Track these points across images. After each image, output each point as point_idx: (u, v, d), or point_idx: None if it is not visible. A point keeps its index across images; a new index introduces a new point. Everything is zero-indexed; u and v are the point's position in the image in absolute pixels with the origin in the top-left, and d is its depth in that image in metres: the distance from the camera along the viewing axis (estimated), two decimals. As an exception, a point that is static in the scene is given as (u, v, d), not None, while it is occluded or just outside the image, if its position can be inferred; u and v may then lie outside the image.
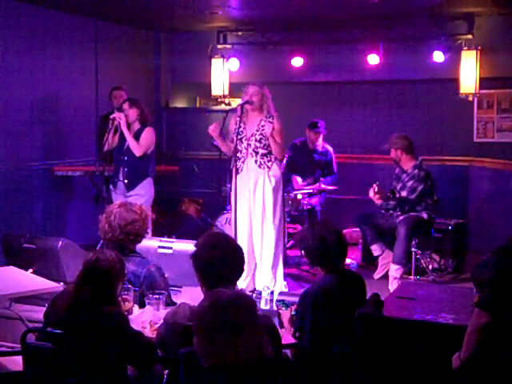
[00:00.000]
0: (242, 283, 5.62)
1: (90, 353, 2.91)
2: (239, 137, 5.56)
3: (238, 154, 5.60)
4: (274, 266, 5.67)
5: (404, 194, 6.16)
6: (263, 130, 5.57)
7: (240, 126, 5.54)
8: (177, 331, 2.91)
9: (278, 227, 5.68)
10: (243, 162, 5.62)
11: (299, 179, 7.18)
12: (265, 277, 5.63)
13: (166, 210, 7.47)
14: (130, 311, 3.48)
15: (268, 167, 5.61)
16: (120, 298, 3.32)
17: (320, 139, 7.30)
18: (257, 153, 5.59)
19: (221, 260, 2.98)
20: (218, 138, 5.68)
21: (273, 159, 5.64)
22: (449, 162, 7.78)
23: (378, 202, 6.25)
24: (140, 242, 3.93)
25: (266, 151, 5.60)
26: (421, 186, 6.15)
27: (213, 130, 5.62)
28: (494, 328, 2.83)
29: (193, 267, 3.05)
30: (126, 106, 5.88)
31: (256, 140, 5.57)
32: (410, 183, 6.17)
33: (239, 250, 3.14)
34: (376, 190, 6.21)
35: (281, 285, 5.68)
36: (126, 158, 5.86)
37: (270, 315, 3.05)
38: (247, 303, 2.37)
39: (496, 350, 2.84)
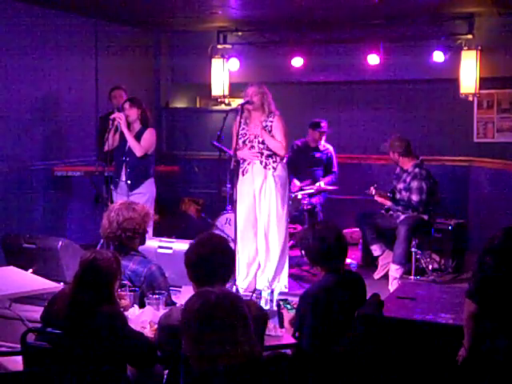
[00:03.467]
0: (243, 283, 5.63)
1: (90, 353, 2.91)
2: (243, 139, 5.56)
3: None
4: (281, 266, 5.67)
5: (414, 197, 6.13)
6: (265, 130, 5.57)
7: (243, 128, 5.54)
8: (171, 333, 2.92)
9: (284, 227, 5.68)
10: (248, 164, 5.62)
11: (296, 182, 7.19)
12: (270, 276, 5.63)
13: (166, 210, 7.47)
14: (126, 308, 3.48)
15: (273, 168, 5.61)
16: (116, 294, 3.32)
17: (323, 139, 7.33)
18: (261, 154, 5.59)
19: (207, 258, 3.01)
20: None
21: (278, 160, 5.64)
22: (449, 162, 7.78)
23: (388, 204, 6.26)
24: (140, 240, 3.93)
25: (271, 152, 5.60)
26: (425, 184, 6.14)
27: None
28: (482, 315, 2.94)
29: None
30: (126, 105, 5.88)
31: (259, 142, 5.57)
32: (415, 183, 6.14)
33: (228, 249, 3.16)
34: (373, 192, 6.22)
35: (281, 285, 5.68)
36: (127, 159, 5.85)
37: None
38: (235, 303, 2.32)
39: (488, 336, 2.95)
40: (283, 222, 5.67)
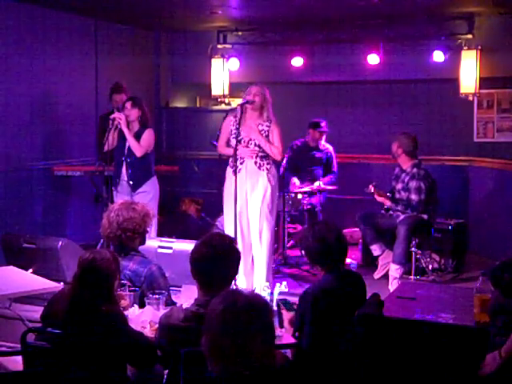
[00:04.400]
0: (239, 283, 5.63)
1: (90, 353, 2.91)
2: (238, 138, 5.56)
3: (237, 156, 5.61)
4: (268, 267, 5.68)
5: (413, 197, 6.13)
6: (262, 134, 5.57)
7: (237, 128, 5.53)
8: (171, 333, 2.91)
9: (272, 228, 5.69)
10: (241, 163, 5.62)
11: (296, 181, 7.18)
12: (259, 277, 5.64)
13: (166, 210, 7.46)
14: (126, 308, 3.48)
15: (267, 169, 5.61)
16: (116, 294, 3.31)
17: (324, 138, 7.34)
18: (256, 155, 5.59)
19: (213, 258, 2.98)
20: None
21: (271, 162, 5.66)
22: (449, 162, 7.78)
23: (387, 203, 6.26)
24: (140, 240, 3.93)
25: (265, 154, 5.61)
26: (423, 184, 6.14)
27: None
28: None
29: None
30: (128, 105, 5.88)
31: (255, 144, 5.57)
32: (413, 184, 6.14)
33: (234, 250, 3.12)
34: (372, 190, 6.22)
35: (281, 285, 5.67)
36: (128, 159, 5.86)
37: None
38: (261, 310, 2.25)
39: None
40: (273, 221, 5.68)
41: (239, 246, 5.58)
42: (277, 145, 5.57)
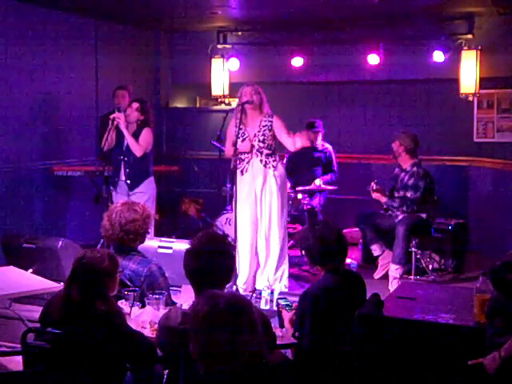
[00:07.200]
0: (242, 283, 5.63)
1: (88, 353, 2.90)
2: (242, 138, 5.57)
3: (242, 156, 5.61)
4: (280, 266, 5.68)
5: (409, 194, 6.14)
6: (265, 129, 5.58)
7: (241, 128, 5.54)
8: (170, 334, 2.91)
9: (283, 226, 5.69)
10: (248, 163, 5.63)
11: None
12: (270, 276, 5.63)
13: (166, 210, 7.47)
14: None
15: (273, 166, 5.62)
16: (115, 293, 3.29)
17: (319, 138, 7.31)
18: (261, 152, 5.60)
19: (204, 259, 2.96)
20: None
21: (277, 159, 5.67)
22: (449, 162, 7.78)
23: (383, 199, 6.26)
24: (141, 241, 3.92)
25: (270, 151, 5.62)
26: (422, 182, 6.14)
27: None
28: None
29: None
30: (134, 105, 5.89)
31: (259, 140, 5.58)
32: (411, 181, 6.15)
33: (227, 252, 3.08)
34: (374, 187, 6.22)
35: (281, 285, 5.68)
36: (126, 159, 5.87)
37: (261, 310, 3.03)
38: (244, 309, 2.27)
39: None
40: (283, 221, 5.69)
41: (246, 246, 5.58)
42: (286, 136, 5.58)
